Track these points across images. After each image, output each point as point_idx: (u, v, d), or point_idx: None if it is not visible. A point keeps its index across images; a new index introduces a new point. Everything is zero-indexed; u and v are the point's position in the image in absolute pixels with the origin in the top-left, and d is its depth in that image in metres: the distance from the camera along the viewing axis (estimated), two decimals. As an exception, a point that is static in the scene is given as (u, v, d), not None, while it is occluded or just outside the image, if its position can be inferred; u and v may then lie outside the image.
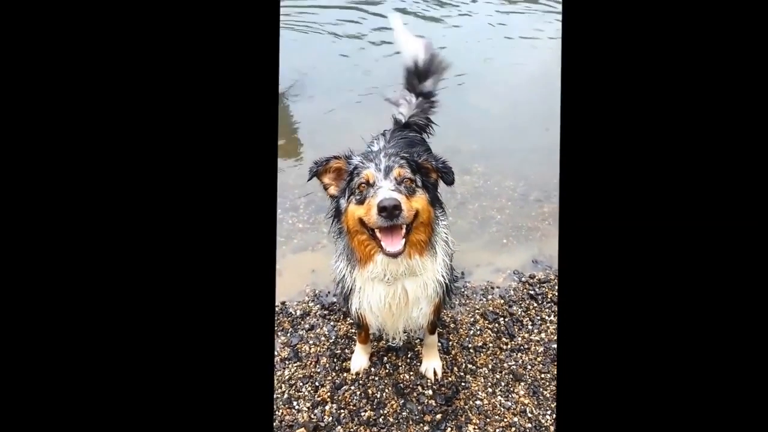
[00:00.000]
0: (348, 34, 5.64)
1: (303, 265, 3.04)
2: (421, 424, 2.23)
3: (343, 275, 1.95)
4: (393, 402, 2.32)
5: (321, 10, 5.86)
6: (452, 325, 2.67)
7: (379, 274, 1.81)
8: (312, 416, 2.26)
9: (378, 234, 1.68)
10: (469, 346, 2.57)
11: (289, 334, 2.62)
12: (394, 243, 1.66)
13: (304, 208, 3.43)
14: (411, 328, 2.12)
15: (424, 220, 1.77)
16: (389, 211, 1.59)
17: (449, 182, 1.89)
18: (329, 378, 2.42)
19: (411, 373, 2.45)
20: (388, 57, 4.73)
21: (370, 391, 2.36)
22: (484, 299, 2.82)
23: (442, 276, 1.94)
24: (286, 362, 2.48)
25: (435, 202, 1.88)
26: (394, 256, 1.67)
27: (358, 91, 4.63)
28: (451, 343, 2.58)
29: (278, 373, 2.44)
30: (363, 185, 1.74)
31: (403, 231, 1.68)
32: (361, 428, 2.21)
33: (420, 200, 1.76)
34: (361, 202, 1.72)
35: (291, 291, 2.88)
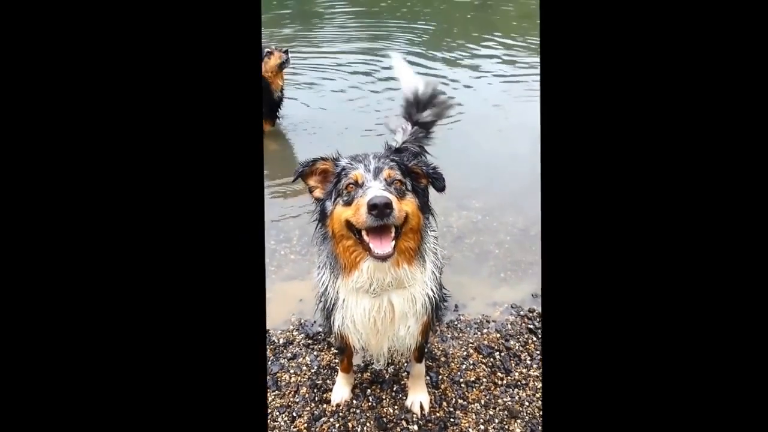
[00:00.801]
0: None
1: (291, 294, 2.91)
2: (405, 462, 2.02)
3: (326, 287, 1.83)
4: (375, 437, 2.12)
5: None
6: (443, 359, 2.49)
7: (365, 283, 1.69)
8: (286, 449, 2.07)
9: (366, 237, 1.58)
10: (461, 380, 2.38)
11: (270, 362, 2.46)
12: (383, 245, 1.56)
13: (297, 239, 3.35)
14: (397, 349, 1.96)
15: (414, 225, 1.67)
16: (380, 208, 1.50)
17: (440, 188, 1.80)
18: (308, 409, 2.24)
19: (395, 407, 2.26)
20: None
21: (350, 425, 2.17)
22: (479, 333, 2.65)
23: (432, 290, 1.81)
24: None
25: (425, 208, 1.78)
26: (383, 259, 1.56)
27: (365, 126, 4.71)
28: (441, 377, 2.39)
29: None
30: (351, 185, 1.65)
31: (393, 233, 1.58)
32: (339, 464, 2.01)
33: (410, 204, 1.67)
34: (348, 203, 1.63)
35: (276, 319, 2.75)
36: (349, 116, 5.12)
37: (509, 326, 2.68)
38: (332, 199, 1.71)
